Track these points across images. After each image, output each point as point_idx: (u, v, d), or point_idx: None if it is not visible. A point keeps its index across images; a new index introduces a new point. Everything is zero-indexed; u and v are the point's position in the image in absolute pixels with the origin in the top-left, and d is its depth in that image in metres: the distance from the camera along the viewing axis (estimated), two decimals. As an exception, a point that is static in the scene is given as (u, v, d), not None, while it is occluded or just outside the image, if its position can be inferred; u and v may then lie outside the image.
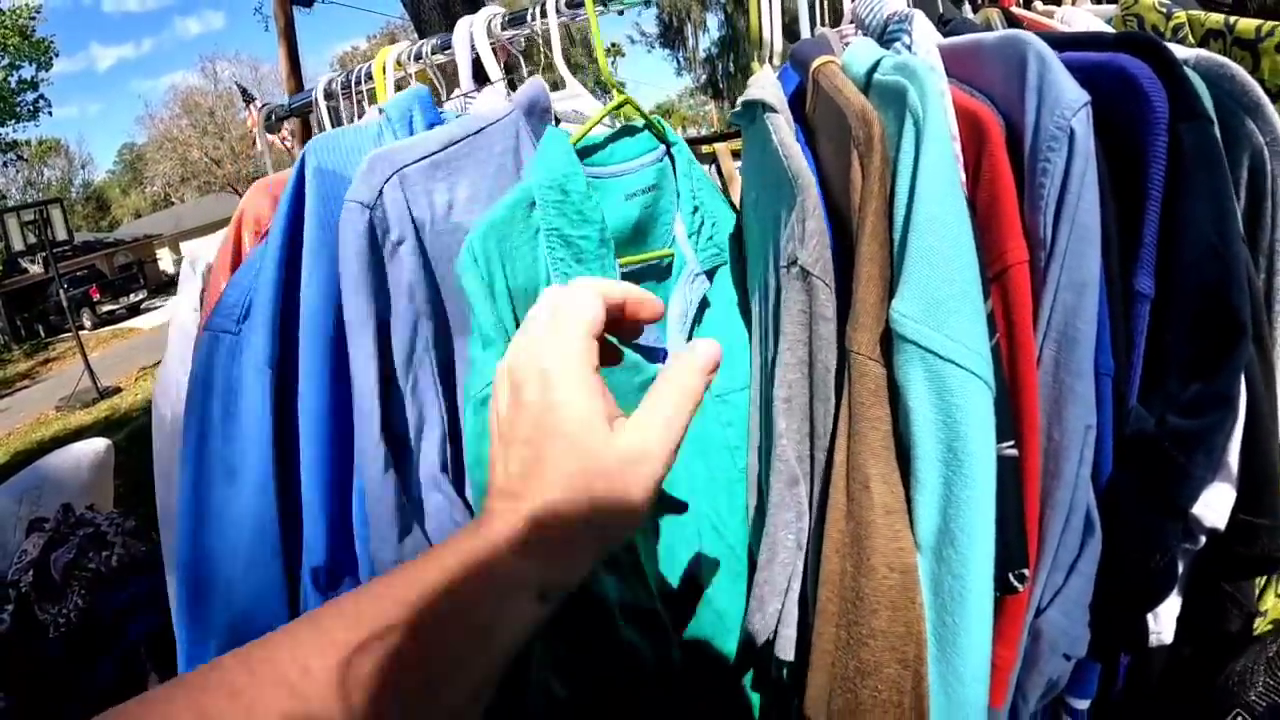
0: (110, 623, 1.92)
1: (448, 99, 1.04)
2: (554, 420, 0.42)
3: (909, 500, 0.58)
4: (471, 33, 1.02)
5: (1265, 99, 0.66)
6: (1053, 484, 0.62)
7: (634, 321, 0.49)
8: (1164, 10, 0.84)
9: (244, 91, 1.73)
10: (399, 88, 1.16)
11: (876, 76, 0.67)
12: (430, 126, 0.89)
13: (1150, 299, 0.62)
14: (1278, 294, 0.69)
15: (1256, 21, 0.75)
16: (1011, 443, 0.59)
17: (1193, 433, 0.61)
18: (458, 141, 0.81)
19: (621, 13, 0.96)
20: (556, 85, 1.00)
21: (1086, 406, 0.60)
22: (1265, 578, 0.78)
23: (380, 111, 0.91)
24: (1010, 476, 0.58)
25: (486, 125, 0.83)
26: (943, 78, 0.65)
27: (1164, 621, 0.69)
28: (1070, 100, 0.58)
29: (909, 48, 0.71)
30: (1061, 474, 0.61)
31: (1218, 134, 0.61)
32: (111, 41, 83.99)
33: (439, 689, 0.36)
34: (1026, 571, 0.59)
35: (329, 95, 1.24)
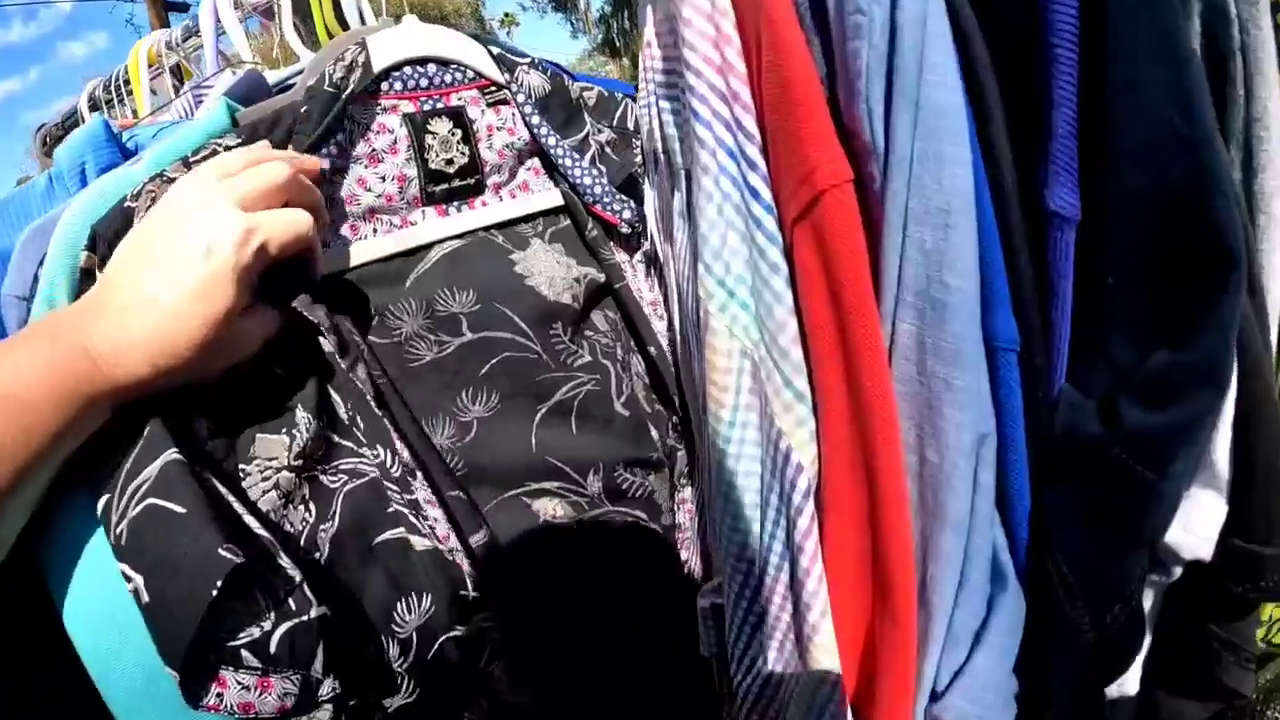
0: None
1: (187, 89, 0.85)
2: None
3: None
4: (216, 7, 0.86)
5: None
6: (934, 526, 0.40)
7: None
8: None
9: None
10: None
11: None
12: (108, 168, 0.68)
13: (1074, 222, 0.38)
14: (1263, 202, 0.43)
15: None
16: None
17: (1162, 429, 0.37)
18: None
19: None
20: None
21: (974, 407, 0.38)
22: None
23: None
24: None
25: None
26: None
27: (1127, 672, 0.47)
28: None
29: None
30: (945, 511, 0.39)
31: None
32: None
33: None
34: None
35: (94, 106, 1.05)
